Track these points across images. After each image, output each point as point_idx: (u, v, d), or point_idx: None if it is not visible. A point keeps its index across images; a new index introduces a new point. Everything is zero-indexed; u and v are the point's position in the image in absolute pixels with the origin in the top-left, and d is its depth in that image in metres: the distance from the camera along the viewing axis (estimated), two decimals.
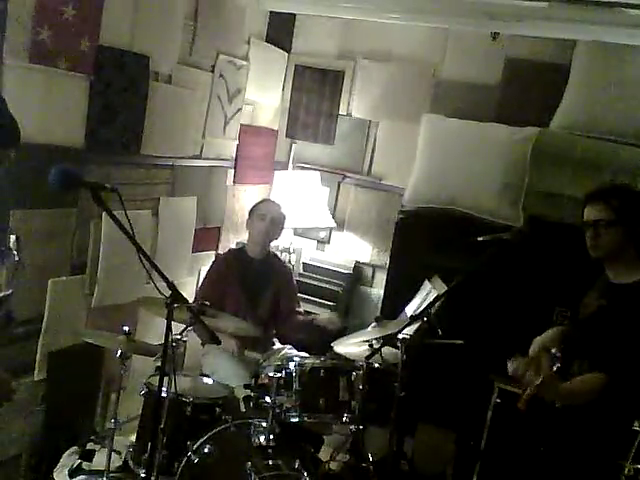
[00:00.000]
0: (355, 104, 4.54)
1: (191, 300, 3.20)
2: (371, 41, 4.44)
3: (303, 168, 4.60)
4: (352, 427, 2.89)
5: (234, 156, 4.30)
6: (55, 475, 2.99)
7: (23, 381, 2.97)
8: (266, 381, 2.92)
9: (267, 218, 3.61)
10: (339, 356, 3.16)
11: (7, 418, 2.91)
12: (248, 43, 4.21)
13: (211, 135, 4.01)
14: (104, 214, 2.16)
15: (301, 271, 4.43)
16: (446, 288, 2.87)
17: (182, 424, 2.78)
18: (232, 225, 4.40)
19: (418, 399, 3.16)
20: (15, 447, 3.04)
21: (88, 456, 3.04)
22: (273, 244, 3.84)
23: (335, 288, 4.30)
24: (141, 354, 2.93)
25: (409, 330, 2.88)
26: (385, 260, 4.27)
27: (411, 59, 4.34)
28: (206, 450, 2.73)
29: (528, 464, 2.76)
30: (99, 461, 2.96)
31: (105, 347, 3.09)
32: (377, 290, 4.43)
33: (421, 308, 2.99)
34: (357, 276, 4.51)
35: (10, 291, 2.04)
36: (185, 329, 2.69)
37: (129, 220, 2.11)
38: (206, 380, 3.16)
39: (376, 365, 2.98)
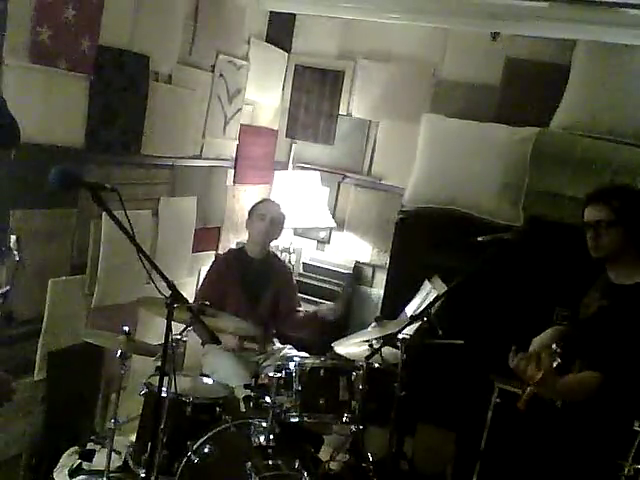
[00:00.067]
0: (355, 104, 4.54)
1: (191, 300, 3.20)
2: (371, 41, 4.44)
3: (303, 168, 4.59)
4: (352, 427, 2.89)
5: (234, 156, 4.30)
6: (55, 475, 2.99)
7: (23, 381, 2.97)
8: (266, 381, 2.92)
9: (267, 218, 3.61)
10: (339, 356, 3.16)
11: (7, 418, 2.91)
12: (248, 43, 4.21)
13: (211, 135, 4.01)
14: (104, 214, 2.16)
15: (301, 271, 4.43)
16: (446, 288, 2.87)
17: (182, 424, 2.78)
18: (232, 225, 4.40)
19: (418, 399, 3.16)
20: (15, 447, 3.03)
21: (88, 456, 3.04)
22: (273, 244, 3.84)
23: (335, 288, 4.30)
24: (141, 354, 2.93)
25: (409, 330, 2.88)
26: (385, 260, 4.27)
27: (411, 59, 4.34)
28: (206, 450, 2.73)
29: (528, 464, 2.76)
30: (99, 461, 2.96)
31: (105, 347, 3.09)
32: (377, 290, 4.43)
33: (421, 308, 2.99)
34: (357, 276, 4.51)
35: (8, 287, 2.05)
36: (185, 329, 2.69)
37: (129, 220, 2.11)
38: (206, 380, 3.16)
39: (376, 365, 2.98)
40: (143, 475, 2.76)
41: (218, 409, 2.89)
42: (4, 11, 2.56)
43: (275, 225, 3.65)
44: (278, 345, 3.69)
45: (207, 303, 2.89)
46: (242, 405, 3.04)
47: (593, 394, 2.33)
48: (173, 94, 3.59)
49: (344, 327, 4.18)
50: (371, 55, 4.46)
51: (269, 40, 4.42)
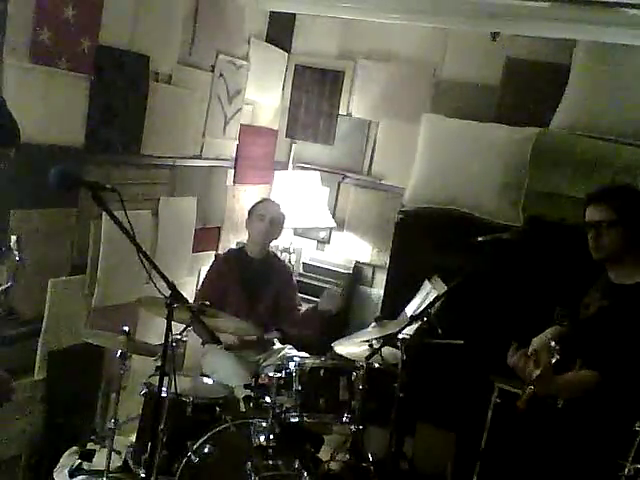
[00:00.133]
0: (355, 104, 4.54)
1: (191, 300, 3.20)
2: (371, 41, 4.44)
3: (303, 168, 4.60)
4: (352, 427, 2.89)
5: (234, 156, 4.30)
6: (55, 475, 2.99)
7: (23, 381, 2.97)
8: (266, 381, 2.92)
9: (266, 218, 3.61)
10: (339, 356, 3.16)
11: (7, 418, 2.91)
12: (248, 43, 4.21)
13: (211, 135, 4.01)
14: (104, 214, 2.16)
15: (301, 271, 4.43)
16: (446, 288, 2.87)
17: (182, 424, 2.78)
18: (232, 225, 4.40)
19: (418, 399, 3.17)
20: (15, 447, 3.04)
21: (88, 456, 3.03)
22: (273, 244, 3.84)
23: (335, 288, 4.29)
24: (141, 354, 2.93)
25: (409, 330, 2.88)
26: (385, 260, 4.27)
27: (411, 59, 4.34)
28: (206, 450, 2.73)
29: (528, 464, 2.76)
30: (99, 461, 2.96)
31: (105, 347, 3.09)
32: (377, 290, 4.43)
33: (421, 308, 2.98)
34: (357, 276, 4.51)
35: (10, 284, 2.05)
36: (185, 329, 2.69)
37: (129, 220, 2.11)
38: (206, 380, 3.16)
39: (376, 365, 2.98)
40: (143, 475, 2.76)
41: (218, 409, 2.89)
42: (4, 11, 2.56)
43: (275, 225, 3.65)
44: (278, 345, 3.70)
45: (207, 303, 2.89)
46: (242, 405, 3.04)
47: (590, 392, 2.33)
48: (173, 94, 3.59)
49: (344, 327, 4.18)
50: (371, 55, 4.46)
51: (269, 40, 4.42)
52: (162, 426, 2.60)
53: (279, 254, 4.04)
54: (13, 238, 2.08)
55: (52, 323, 3.05)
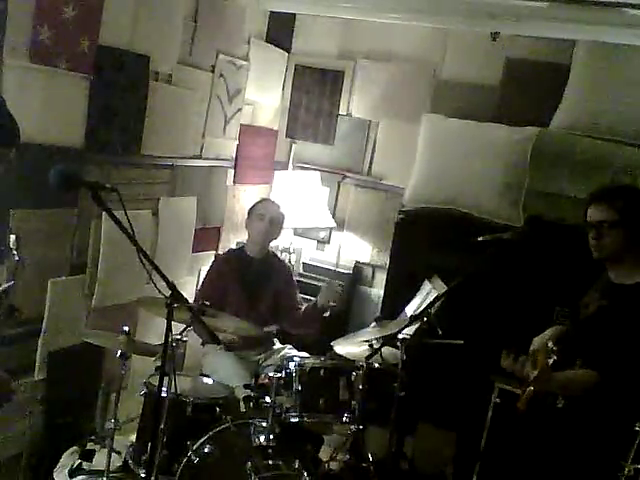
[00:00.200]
0: (355, 104, 4.54)
1: (191, 300, 3.20)
2: (371, 41, 4.44)
3: (303, 168, 4.60)
4: (352, 427, 2.89)
5: (234, 156, 4.30)
6: (55, 475, 2.99)
7: (23, 381, 2.97)
8: (266, 381, 2.92)
9: (266, 218, 3.61)
10: (339, 356, 3.16)
11: (7, 418, 2.91)
12: (248, 43, 4.21)
13: (211, 135, 4.01)
14: (104, 214, 2.16)
15: (301, 271, 4.43)
16: (446, 288, 2.87)
17: (182, 424, 2.78)
18: (232, 225, 4.40)
19: (418, 399, 3.16)
20: (15, 447, 3.04)
21: (88, 456, 3.03)
22: (273, 244, 3.84)
23: (333, 281, 4.27)
24: (141, 354, 2.93)
25: (409, 330, 2.88)
26: (385, 260, 4.27)
27: (411, 59, 4.34)
28: (206, 450, 2.73)
29: (528, 464, 2.76)
30: (99, 461, 2.96)
31: (105, 347, 3.08)
32: (377, 290, 4.43)
33: (421, 308, 2.98)
34: (357, 276, 4.51)
35: (10, 284, 2.05)
36: (185, 329, 2.69)
37: (129, 220, 2.11)
38: (206, 380, 3.16)
39: (376, 365, 2.98)
40: (143, 475, 2.76)
41: (218, 409, 2.89)
42: (4, 11, 2.56)
43: (274, 225, 3.65)
44: (278, 345, 3.70)
45: (207, 303, 2.89)
46: (242, 405, 3.04)
47: (589, 391, 2.33)
48: (173, 94, 3.59)
49: (344, 327, 4.18)
50: (371, 55, 4.46)
51: (269, 40, 4.42)
52: (162, 426, 2.60)
53: (279, 254, 4.03)
54: (13, 238, 2.09)
55: (52, 323, 3.05)
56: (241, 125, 4.29)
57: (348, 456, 3.04)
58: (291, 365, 2.90)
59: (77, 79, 2.96)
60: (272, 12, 4.34)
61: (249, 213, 3.71)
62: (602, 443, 2.38)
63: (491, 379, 3.45)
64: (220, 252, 4.19)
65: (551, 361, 2.25)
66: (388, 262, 4.14)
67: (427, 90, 4.30)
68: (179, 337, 2.63)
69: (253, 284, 3.61)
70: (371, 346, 2.98)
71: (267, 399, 2.78)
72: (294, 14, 4.57)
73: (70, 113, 2.97)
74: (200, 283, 3.84)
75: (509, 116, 3.92)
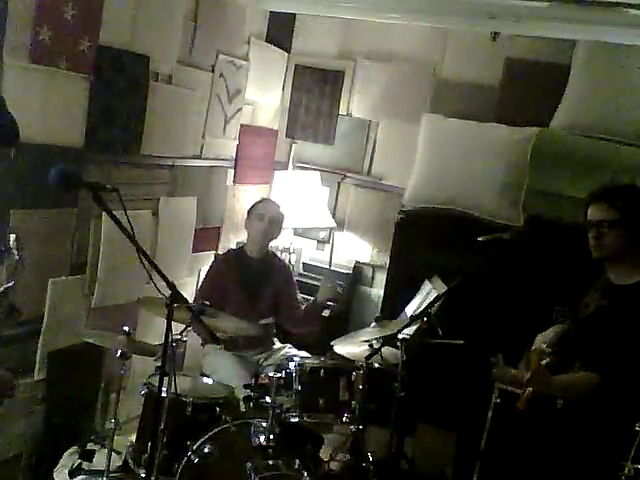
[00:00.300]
0: (355, 104, 4.54)
1: (191, 300, 3.20)
2: (371, 41, 4.44)
3: (303, 168, 4.60)
4: (352, 427, 2.88)
5: (234, 156, 4.30)
6: (55, 475, 2.99)
7: (23, 381, 2.97)
8: (266, 381, 2.92)
9: (265, 218, 3.61)
10: (339, 356, 3.16)
11: (7, 418, 2.91)
12: (248, 43, 4.21)
13: (211, 135, 4.01)
14: (104, 214, 2.16)
15: (301, 271, 4.43)
16: (446, 288, 2.87)
17: (182, 424, 2.78)
18: (232, 225, 4.40)
19: (418, 399, 3.16)
20: (15, 447, 3.03)
21: (88, 456, 3.03)
22: (273, 244, 3.84)
23: (331, 277, 4.26)
24: (141, 354, 2.93)
25: (409, 330, 2.88)
26: (385, 260, 4.27)
27: (411, 59, 4.34)
28: (206, 450, 2.73)
29: (528, 464, 2.76)
30: (99, 461, 2.96)
31: (105, 347, 3.08)
32: (377, 290, 4.43)
33: (421, 308, 2.98)
34: (357, 276, 4.51)
35: (12, 283, 2.05)
36: (185, 329, 2.69)
37: (129, 220, 2.11)
38: (206, 380, 3.16)
39: (376, 365, 2.98)
40: (143, 475, 2.76)
41: (218, 409, 2.88)
42: (4, 11, 2.56)
43: (274, 225, 3.65)
44: (278, 344, 3.69)
45: (207, 303, 2.89)
46: (242, 405, 3.04)
47: (589, 393, 2.33)
48: (173, 94, 3.59)
49: (344, 327, 4.18)
50: (371, 55, 4.46)
51: (269, 40, 4.42)
52: (162, 426, 2.60)
53: (279, 254, 4.03)
54: (13, 238, 2.08)
55: (52, 323, 3.05)
56: (241, 125, 4.28)
57: (348, 456, 3.04)
58: (291, 365, 2.90)
59: (77, 79, 2.95)
60: (272, 12, 4.34)
61: (249, 213, 3.71)
62: (602, 443, 2.38)
63: (491, 379, 3.45)
64: (220, 252, 4.19)
65: (544, 363, 2.25)
66: (388, 262, 4.14)
67: (427, 90, 4.30)
68: (179, 337, 2.63)
69: (253, 284, 3.61)
70: (371, 346, 2.98)
71: (267, 399, 2.78)
72: (294, 14, 4.57)
73: (70, 113, 2.97)
74: (200, 283, 3.84)
75: (509, 116, 3.92)
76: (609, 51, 3.65)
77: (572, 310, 2.71)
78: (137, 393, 2.96)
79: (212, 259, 3.96)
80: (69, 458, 3.06)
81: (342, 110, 4.58)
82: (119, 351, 2.74)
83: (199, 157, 3.95)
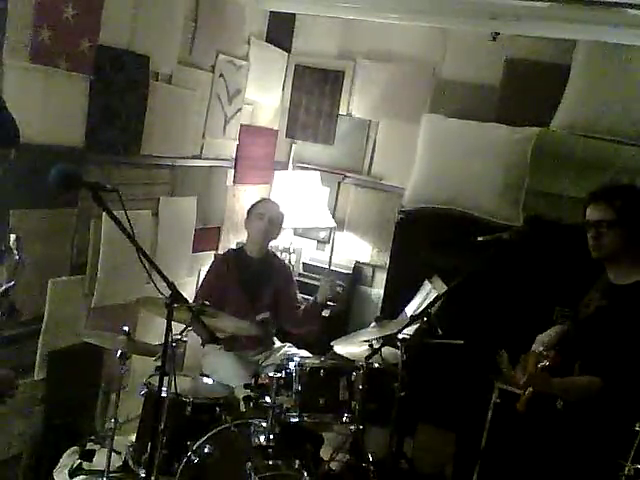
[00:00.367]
0: (355, 104, 4.54)
1: (191, 300, 3.20)
2: (371, 41, 4.44)
3: (303, 168, 4.60)
4: (352, 427, 2.89)
5: (234, 156, 4.30)
6: (55, 475, 2.99)
7: (23, 381, 2.96)
8: (266, 381, 2.91)
9: (265, 218, 3.61)
10: (339, 356, 3.16)
11: (7, 418, 2.91)
12: (248, 43, 4.21)
13: (211, 135, 4.00)
14: (104, 214, 2.16)
15: (301, 271, 4.43)
16: (446, 288, 2.87)
17: (182, 424, 2.78)
18: (232, 225, 4.40)
19: (418, 399, 3.16)
20: (15, 447, 3.03)
21: (88, 456, 3.04)
22: (273, 244, 3.84)
23: (330, 276, 4.26)
24: (141, 354, 2.93)
25: (409, 330, 2.88)
26: (385, 260, 4.27)
27: (411, 59, 4.34)
28: (206, 450, 2.73)
29: (528, 464, 2.76)
30: (99, 461, 2.96)
31: (105, 347, 3.08)
32: (377, 290, 4.43)
33: (421, 308, 2.98)
34: (357, 276, 4.51)
35: (12, 283, 2.05)
36: (185, 329, 2.69)
37: (129, 220, 2.11)
38: (206, 380, 3.16)
39: (376, 365, 2.98)
40: (143, 475, 2.76)
41: (218, 409, 2.89)
42: (4, 11, 2.56)
43: (274, 224, 3.64)
44: (278, 343, 3.69)
45: (207, 303, 2.89)
46: (242, 405, 3.04)
47: (591, 396, 2.33)
48: (173, 94, 3.59)
49: (344, 327, 4.18)
50: (371, 55, 4.46)
51: (269, 40, 4.42)
52: (162, 426, 2.60)
53: (279, 254, 4.03)
54: (13, 238, 2.08)
55: (52, 323, 3.05)
56: (241, 125, 4.28)
57: (348, 456, 3.05)
58: (291, 365, 2.89)
59: (77, 79, 2.95)
60: (272, 12, 4.34)
61: (248, 213, 3.71)
62: (602, 443, 2.38)
63: (491, 379, 3.45)
64: (220, 252, 4.19)
65: (540, 365, 2.25)
66: (388, 262, 4.14)
67: (427, 90, 4.30)
68: (179, 337, 2.63)
69: (253, 284, 3.61)
70: (371, 346, 2.98)
71: (267, 399, 2.78)
72: (294, 14, 4.57)
73: (70, 113, 2.97)
74: (200, 283, 3.84)
75: (509, 116, 3.92)
76: (609, 51, 3.65)
77: (572, 310, 2.71)
78: (137, 393, 2.96)
79: (212, 259, 3.96)
80: (69, 458, 3.06)
81: (342, 110, 4.58)
82: (119, 351, 2.74)
83: (199, 157, 3.95)
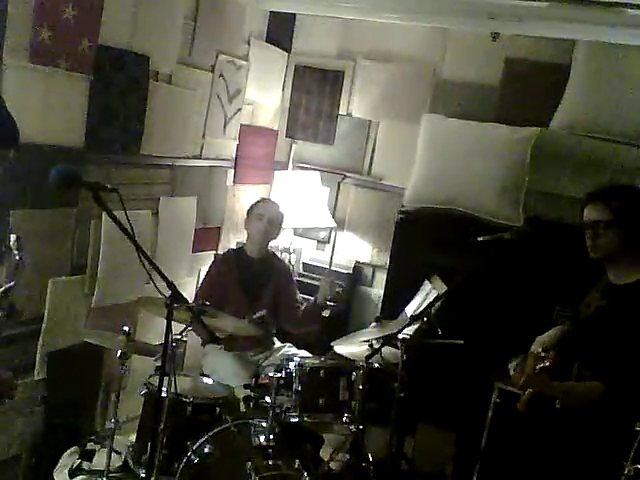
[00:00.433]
0: (355, 104, 4.54)
1: (191, 300, 3.20)
2: (371, 41, 4.44)
3: (303, 168, 4.59)
4: (352, 427, 2.89)
5: (234, 156, 4.30)
6: (55, 475, 2.99)
7: (23, 381, 2.96)
8: (266, 381, 2.92)
9: (265, 218, 3.61)
10: (339, 356, 3.16)
11: (7, 418, 2.91)
12: (248, 43, 4.21)
13: (211, 135, 4.00)
14: (104, 214, 2.16)
15: (301, 271, 4.43)
16: (446, 288, 2.87)
17: (182, 424, 2.78)
18: (232, 225, 4.40)
19: (418, 399, 3.16)
20: (15, 447, 3.03)
21: (88, 456, 3.04)
22: (273, 244, 3.84)
23: (330, 276, 4.26)
24: (141, 354, 2.93)
25: (409, 330, 2.88)
26: (385, 260, 4.27)
27: (411, 59, 4.34)
28: (206, 450, 2.73)
29: (528, 464, 2.76)
30: (99, 461, 2.96)
31: (105, 347, 3.08)
32: (377, 290, 4.43)
33: (421, 308, 2.98)
34: (357, 276, 4.51)
35: (12, 283, 2.05)
36: (185, 329, 2.69)
37: (129, 220, 2.11)
38: (206, 380, 3.16)
39: (376, 365, 2.98)
40: (143, 475, 2.76)
41: (218, 409, 2.89)
42: (4, 11, 2.56)
43: (273, 225, 3.65)
44: (278, 343, 3.69)
45: (207, 303, 2.89)
46: (242, 405, 3.04)
47: (593, 401, 2.34)
48: (173, 94, 3.59)
49: (344, 327, 4.18)
50: (371, 55, 4.46)
51: (269, 40, 4.42)
52: (162, 426, 2.60)
53: (279, 254, 4.03)
54: (13, 238, 2.08)
55: (52, 323, 3.05)
56: (241, 125, 4.28)
57: (348, 456, 3.04)
58: (291, 365, 2.90)
59: (77, 79, 2.95)
60: (272, 12, 4.34)
61: (248, 213, 3.71)
62: (602, 443, 2.38)
63: (491, 379, 3.45)
64: (220, 252, 4.19)
65: (538, 367, 2.25)
66: (388, 262, 4.14)
67: (427, 90, 4.30)
68: (179, 337, 2.63)
69: (253, 284, 3.61)
70: (371, 346, 2.98)
71: (267, 399, 2.78)
72: (294, 14, 4.57)
73: (70, 113, 2.97)
74: (200, 283, 3.84)
75: (509, 116, 3.92)
76: (609, 51, 3.65)
77: (572, 311, 2.70)
78: (137, 393, 2.96)
79: (212, 259, 3.96)
80: (69, 458, 3.06)
81: (342, 110, 4.57)
82: (119, 351, 2.74)
83: (199, 157, 3.95)
